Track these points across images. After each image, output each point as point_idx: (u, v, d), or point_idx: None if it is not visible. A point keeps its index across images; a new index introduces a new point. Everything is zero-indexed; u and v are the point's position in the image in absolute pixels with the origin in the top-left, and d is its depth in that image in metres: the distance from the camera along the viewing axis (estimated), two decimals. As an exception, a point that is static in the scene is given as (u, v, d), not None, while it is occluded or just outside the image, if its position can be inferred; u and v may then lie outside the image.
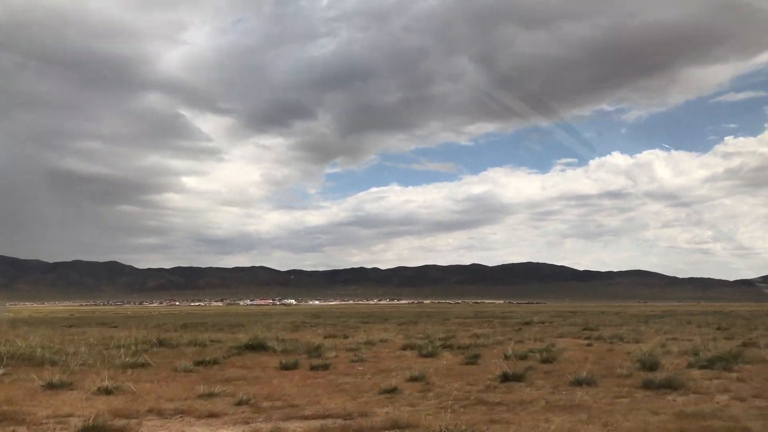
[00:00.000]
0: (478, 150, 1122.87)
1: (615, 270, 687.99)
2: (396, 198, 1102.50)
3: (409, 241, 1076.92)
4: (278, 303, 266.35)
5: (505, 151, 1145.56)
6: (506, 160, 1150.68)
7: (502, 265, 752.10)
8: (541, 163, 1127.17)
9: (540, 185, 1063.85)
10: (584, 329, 35.87)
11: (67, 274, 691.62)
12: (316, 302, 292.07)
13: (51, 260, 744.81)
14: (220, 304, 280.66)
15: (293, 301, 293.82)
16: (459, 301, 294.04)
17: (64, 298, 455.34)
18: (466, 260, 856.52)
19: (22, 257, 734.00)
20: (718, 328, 36.02)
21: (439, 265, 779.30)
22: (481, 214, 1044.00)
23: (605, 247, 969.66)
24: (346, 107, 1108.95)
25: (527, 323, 45.39)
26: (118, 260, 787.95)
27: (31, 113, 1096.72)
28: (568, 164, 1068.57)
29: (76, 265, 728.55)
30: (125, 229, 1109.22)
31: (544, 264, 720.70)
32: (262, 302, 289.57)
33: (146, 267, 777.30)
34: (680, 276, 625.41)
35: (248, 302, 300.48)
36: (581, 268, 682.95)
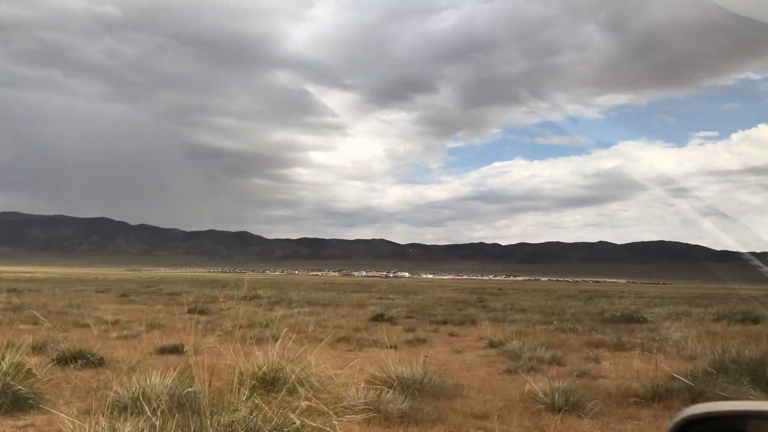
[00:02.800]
0: (608, 122, 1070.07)
1: (758, 251, 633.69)
2: (520, 173, 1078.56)
3: (534, 216, 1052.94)
4: (391, 276, 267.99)
5: (637, 124, 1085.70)
6: (639, 134, 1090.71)
7: (632, 243, 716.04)
8: (677, 137, 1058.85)
9: (676, 160, 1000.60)
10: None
11: (201, 242, 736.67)
12: (430, 276, 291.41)
13: (188, 229, 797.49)
14: (336, 274, 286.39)
15: (407, 274, 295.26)
16: (578, 280, 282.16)
17: (197, 265, 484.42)
18: (594, 238, 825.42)
19: (162, 226, 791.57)
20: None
21: (563, 242, 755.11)
22: (611, 190, 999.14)
23: (749, 226, 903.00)
24: (468, 80, 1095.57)
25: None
26: (248, 230, 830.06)
27: (170, 91, 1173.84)
28: (708, 137, 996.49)
29: (210, 234, 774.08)
30: (256, 201, 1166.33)
31: (678, 243, 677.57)
32: (376, 274, 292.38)
33: (274, 237, 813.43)
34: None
35: (364, 273, 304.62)
36: (719, 249, 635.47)
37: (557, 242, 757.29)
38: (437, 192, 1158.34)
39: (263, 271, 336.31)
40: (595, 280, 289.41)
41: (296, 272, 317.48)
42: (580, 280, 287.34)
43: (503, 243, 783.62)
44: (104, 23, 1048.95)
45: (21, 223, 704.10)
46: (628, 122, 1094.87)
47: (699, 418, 1.40)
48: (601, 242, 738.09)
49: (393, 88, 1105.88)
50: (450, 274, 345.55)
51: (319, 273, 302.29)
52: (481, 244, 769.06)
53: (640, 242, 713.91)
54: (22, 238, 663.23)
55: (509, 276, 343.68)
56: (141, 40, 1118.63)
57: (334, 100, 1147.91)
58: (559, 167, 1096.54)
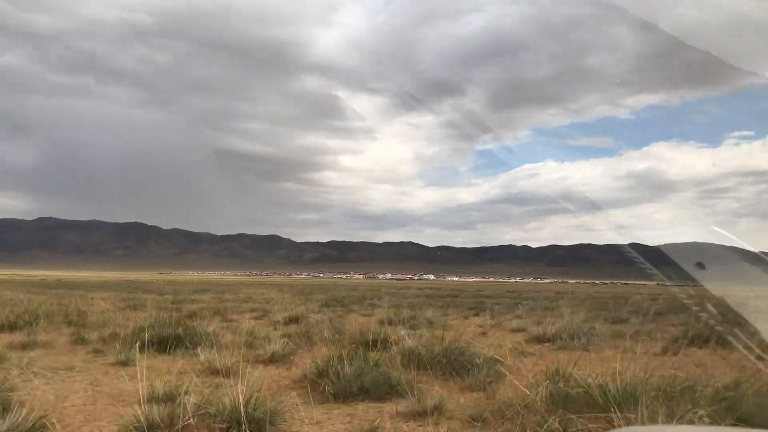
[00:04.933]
0: (639, 124, 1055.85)
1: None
2: (550, 174, 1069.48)
3: (564, 219, 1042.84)
4: (416, 278, 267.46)
5: (669, 125, 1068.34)
6: (671, 134, 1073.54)
7: (664, 245, 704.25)
8: (711, 137, 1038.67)
9: (710, 161, 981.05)
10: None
11: (231, 246, 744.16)
12: (455, 278, 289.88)
13: (219, 233, 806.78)
14: (361, 277, 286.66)
15: (431, 277, 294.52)
16: (606, 282, 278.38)
17: (227, 269, 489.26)
18: (625, 240, 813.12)
19: (194, 230, 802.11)
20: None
21: (594, 245, 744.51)
22: (643, 191, 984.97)
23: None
24: (496, 83, 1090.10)
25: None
26: (278, 234, 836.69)
27: (201, 97, 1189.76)
28: (743, 137, 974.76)
29: (240, 238, 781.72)
30: (287, 204, 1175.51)
31: (710, 245, 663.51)
32: (402, 277, 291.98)
33: (303, 240, 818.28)
34: None
35: (389, 276, 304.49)
36: (756, 250, 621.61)
37: (588, 244, 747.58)
38: (467, 195, 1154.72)
39: (288, 275, 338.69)
40: (623, 282, 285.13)
41: (321, 275, 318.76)
42: (609, 282, 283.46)
43: (533, 245, 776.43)
44: (136, 31, 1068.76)
45: (57, 228, 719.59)
46: (660, 123, 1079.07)
47: None
48: (632, 244, 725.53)
49: (421, 91, 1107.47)
50: (477, 277, 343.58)
51: (344, 276, 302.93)
52: (511, 246, 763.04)
53: (670, 244, 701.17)
54: (57, 242, 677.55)
55: (536, 279, 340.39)
56: (172, 47, 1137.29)
57: (362, 104, 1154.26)
58: (590, 169, 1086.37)
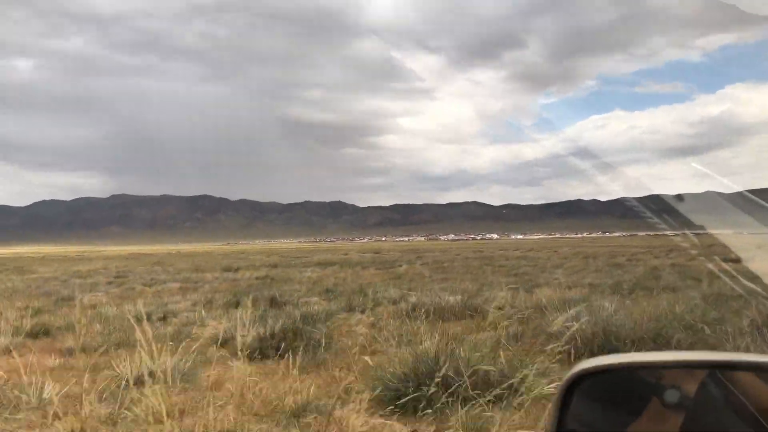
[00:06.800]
0: (712, 65, 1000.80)
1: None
2: (619, 125, 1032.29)
3: (636, 169, 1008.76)
4: (478, 239, 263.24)
5: (745, 64, 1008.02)
6: (748, 74, 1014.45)
7: (741, 192, 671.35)
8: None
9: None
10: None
11: (298, 213, 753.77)
12: (519, 236, 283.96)
13: (285, 202, 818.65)
14: (422, 239, 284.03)
15: (495, 236, 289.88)
16: (678, 233, 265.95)
17: (294, 236, 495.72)
18: (700, 188, 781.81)
19: (261, 200, 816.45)
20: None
21: (666, 195, 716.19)
22: (719, 137, 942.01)
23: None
24: (557, 32, 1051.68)
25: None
26: (342, 200, 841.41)
27: (261, 68, 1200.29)
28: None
29: (306, 205, 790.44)
30: (351, 170, 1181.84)
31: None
32: (465, 238, 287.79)
33: (367, 205, 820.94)
34: None
35: (452, 237, 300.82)
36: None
37: (659, 195, 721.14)
38: (532, 150, 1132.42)
39: (352, 240, 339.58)
40: (695, 232, 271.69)
41: (383, 239, 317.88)
42: (680, 233, 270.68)
43: (602, 199, 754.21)
44: (194, 7, 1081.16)
45: (130, 204, 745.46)
46: (735, 63, 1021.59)
47: (590, 372, 1.35)
48: (706, 192, 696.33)
49: (479, 46, 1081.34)
50: (543, 234, 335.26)
51: (406, 239, 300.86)
52: (579, 201, 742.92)
53: (751, 190, 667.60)
54: (131, 218, 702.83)
55: (604, 233, 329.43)
56: (230, 21, 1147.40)
57: (420, 63, 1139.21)
58: (661, 116, 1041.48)
